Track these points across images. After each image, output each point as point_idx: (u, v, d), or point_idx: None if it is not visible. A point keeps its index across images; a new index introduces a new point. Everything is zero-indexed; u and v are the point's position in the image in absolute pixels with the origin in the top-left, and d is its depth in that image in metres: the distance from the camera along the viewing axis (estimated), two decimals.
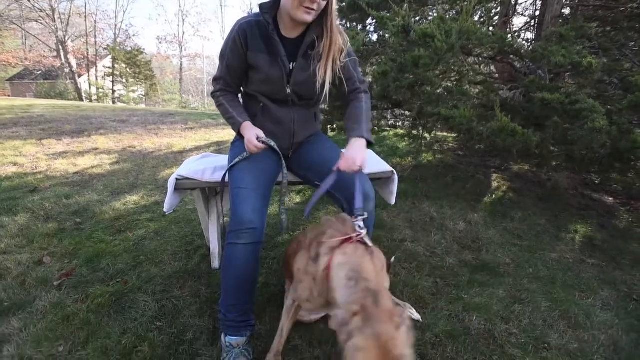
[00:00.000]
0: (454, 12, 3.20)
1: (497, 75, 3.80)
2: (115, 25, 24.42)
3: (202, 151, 4.00)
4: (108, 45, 22.76)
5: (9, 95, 18.87)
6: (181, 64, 30.79)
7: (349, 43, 1.34)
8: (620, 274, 1.96)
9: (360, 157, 1.20)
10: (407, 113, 3.79)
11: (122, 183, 2.94)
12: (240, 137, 1.35)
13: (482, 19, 3.41)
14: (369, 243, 0.97)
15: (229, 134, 5.19)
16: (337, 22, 1.26)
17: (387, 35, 3.29)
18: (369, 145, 1.28)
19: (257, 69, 1.28)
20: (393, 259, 1.80)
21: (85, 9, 22.56)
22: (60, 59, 20.88)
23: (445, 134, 4.93)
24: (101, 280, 1.65)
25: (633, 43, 2.96)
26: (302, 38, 1.26)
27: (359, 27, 3.91)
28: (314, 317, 1.33)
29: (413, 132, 3.62)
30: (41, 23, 21.08)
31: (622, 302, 1.70)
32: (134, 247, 1.94)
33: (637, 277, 1.93)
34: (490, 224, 2.45)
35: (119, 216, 2.32)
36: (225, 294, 1.21)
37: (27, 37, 23.08)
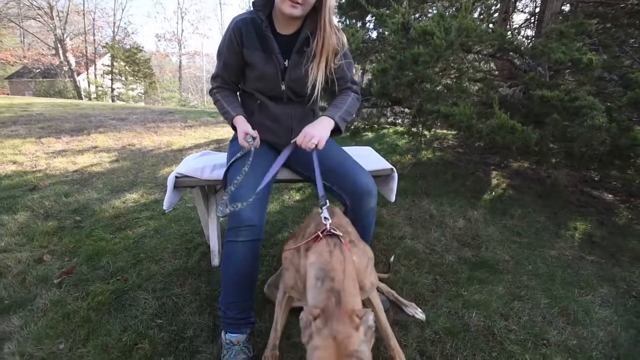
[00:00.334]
0: (454, 9, 3.19)
1: (496, 72, 3.80)
2: (114, 23, 24.36)
3: (201, 149, 3.99)
4: (107, 43, 22.70)
5: (7, 94, 18.82)
6: (180, 62, 30.74)
7: (346, 45, 1.33)
8: (620, 270, 1.96)
9: (318, 135, 1.19)
10: (406, 110, 3.79)
11: (121, 181, 2.94)
12: (234, 130, 1.37)
13: (481, 16, 3.40)
14: (339, 233, 0.95)
15: (228, 132, 5.18)
16: (334, 20, 1.26)
17: (386, 33, 3.28)
18: (338, 134, 1.32)
19: (252, 66, 1.28)
20: (392, 258, 1.80)
21: (84, 6, 22.49)
22: (59, 57, 20.82)
23: (444, 131, 4.92)
24: (101, 278, 1.65)
25: (633, 40, 2.95)
26: (297, 35, 1.26)
27: (359, 24, 3.90)
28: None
29: (412, 129, 3.62)
30: (39, 21, 21.01)
31: (621, 299, 1.71)
32: (134, 245, 1.95)
33: (636, 274, 1.93)
34: (490, 221, 2.45)
35: (119, 214, 2.32)
36: (225, 292, 1.21)
37: (25, 35, 23.00)
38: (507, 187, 3.15)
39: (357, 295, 0.81)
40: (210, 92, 1.42)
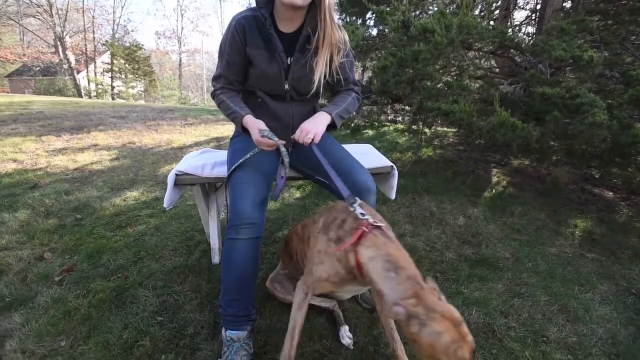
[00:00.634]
0: (454, 6, 3.18)
1: (497, 69, 3.78)
2: (114, 21, 24.31)
3: (201, 147, 3.99)
4: (106, 41, 22.67)
5: (7, 92, 18.81)
6: (180, 60, 30.68)
7: (348, 43, 1.33)
8: (620, 268, 1.97)
9: (314, 130, 1.21)
10: (407, 108, 3.78)
11: (121, 179, 2.94)
12: (243, 131, 1.31)
13: (482, 13, 3.39)
14: (381, 223, 0.98)
15: (228, 130, 5.18)
16: (335, 17, 1.25)
17: (386, 30, 3.27)
18: (333, 129, 1.33)
19: (255, 65, 1.27)
20: None
21: (83, 4, 22.44)
22: (59, 55, 20.80)
23: (445, 128, 4.91)
24: (102, 275, 1.65)
25: (635, 37, 2.94)
26: (299, 33, 1.25)
27: (359, 21, 3.89)
28: (289, 297, 1.31)
29: (413, 127, 3.61)
30: (39, 19, 20.96)
31: (621, 296, 1.71)
32: (135, 243, 1.95)
33: (636, 272, 1.93)
34: (490, 219, 2.45)
35: (119, 212, 2.32)
36: (226, 289, 1.21)
37: (24, 33, 22.96)
38: (507, 184, 3.15)
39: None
40: (213, 94, 1.36)
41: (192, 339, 1.30)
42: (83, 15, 22.43)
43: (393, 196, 1.69)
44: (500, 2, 3.67)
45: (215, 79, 1.35)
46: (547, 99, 2.21)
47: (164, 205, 1.51)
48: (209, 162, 1.56)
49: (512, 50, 2.92)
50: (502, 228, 2.34)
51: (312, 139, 1.20)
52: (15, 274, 1.64)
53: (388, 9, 2.66)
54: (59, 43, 20.73)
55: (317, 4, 1.20)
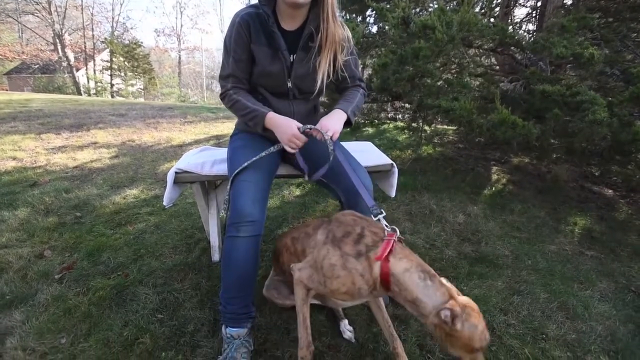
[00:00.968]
0: (455, 3, 3.17)
1: (497, 67, 3.78)
2: (113, 18, 24.23)
3: (201, 144, 3.98)
4: (105, 39, 22.56)
5: (6, 90, 18.76)
6: (179, 57, 30.61)
7: (351, 40, 1.32)
8: (619, 265, 1.97)
9: (333, 127, 1.22)
10: (407, 105, 3.78)
11: (121, 177, 2.94)
12: (264, 130, 1.27)
13: (482, 10, 3.38)
14: (402, 237, 1.04)
15: (228, 128, 5.17)
16: (337, 13, 1.24)
17: (386, 27, 3.26)
18: (348, 126, 1.32)
19: (257, 62, 1.26)
20: None
21: (82, 1, 22.33)
22: (58, 53, 20.73)
23: (445, 126, 4.91)
24: (102, 273, 1.65)
25: (635, 34, 2.93)
26: (302, 30, 1.24)
27: (359, 18, 3.88)
28: (287, 302, 1.32)
29: (413, 124, 3.61)
30: (37, 16, 20.87)
31: (620, 294, 1.72)
32: (134, 241, 1.95)
33: (635, 269, 1.94)
34: (490, 217, 2.45)
35: (119, 210, 2.32)
36: (226, 287, 1.21)
37: (23, 30, 22.88)
38: (507, 182, 3.15)
39: None
40: (225, 94, 1.29)
41: (192, 336, 1.30)
42: (82, 13, 22.35)
43: (393, 194, 1.69)
44: None
45: (224, 78, 1.29)
46: (547, 97, 2.20)
47: (164, 203, 1.51)
48: (208, 160, 1.56)
49: (512, 48, 2.91)
50: (501, 226, 2.34)
51: (331, 137, 1.20)
52: (15, 271, 1.64)
53: (388, 5, 2.65)
54: (57, 40, 20.66)
55: (319, 1, 1.19)
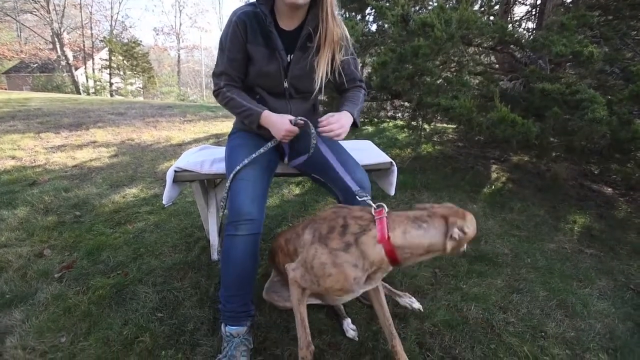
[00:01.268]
0: (454, 1, 3.16)
1: (497, 65, 3.78)
2: (112, 17, 24.14)
3: (200, 143, 3.98)
4: (104, 37, 22.49)
5: (5, 89, 18.71)
6: (179, 56, 30.57)
7: (350, 39, 1.32)
8: (618, 263, 1.97)
9: (345, 122, 1.23)
10: (406, 104, 3.78)
11: (121, 176, 2.93)
12: (259, 128, 1.27)
13: (482, 8, 3.37)
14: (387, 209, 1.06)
15: (227, 126, 5.17)
16: (336, 12, 1.24)
17: (386, 25, 3.26)
18: (354, 127, 1.32)
19: (254, 62, 1.26)
20: None
21: (80, 0, 22.23)
22: (56, 52, 20.67)
23: (444, 125, 4.91)
24: (102, 272, 1.65)
25: (635, 32, 2.92)
26: (300, 30, 1.24)
27: (358, 16, 3.86)
28: (288, 304, 1.32)
29: (412, 123, 3.61)
30: (36, 15, 20.80)
31: (619, 292, 1.72)
32: (134, 240, 1.95)
33: (634, 267, 1.94)
34: (489, 215, 2.46)
35: (119, 209, 2.32)
36: (225, 285, 1.22)
37: (22, 29, 22.82)
38: (506, 180, 3.15)
39: None
40: (218, 92, 1.30)
41: (192, 335, 1.30)
42: (80, 12, 22.26)
43: (392, 192, 1.69)
44: None
45: (217, 75, 1.29)
46: (547, 95, 2.20)
47: (163, 202, 1.51)
48: (208, 159, 1.55)
49: (512, 46, 2.91)
50: (501, 224, 2.35)
51: (338, 134, 1.21)
52: (15, 270, 1.64)
53: (387, 3, 2.65)
54: (56, 39, 20.60)
55: (318, 1, 1.19)
